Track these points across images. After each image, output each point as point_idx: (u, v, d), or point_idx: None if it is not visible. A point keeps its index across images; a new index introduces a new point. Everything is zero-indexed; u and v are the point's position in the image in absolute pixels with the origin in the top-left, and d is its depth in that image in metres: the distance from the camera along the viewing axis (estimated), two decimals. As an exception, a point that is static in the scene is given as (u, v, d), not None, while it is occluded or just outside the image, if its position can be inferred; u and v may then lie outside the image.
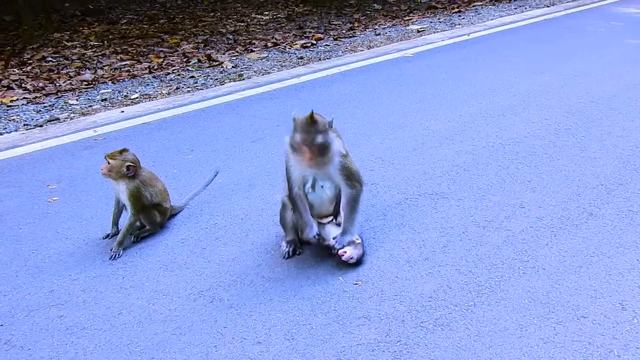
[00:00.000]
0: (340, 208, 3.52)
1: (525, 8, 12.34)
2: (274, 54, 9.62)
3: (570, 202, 4.00)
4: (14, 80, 8.55)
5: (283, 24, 12.33)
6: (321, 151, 3.28)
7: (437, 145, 5.10)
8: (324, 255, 3.55)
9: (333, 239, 3.45)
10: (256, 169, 4.90)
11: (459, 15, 12.02)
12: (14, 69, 9.15)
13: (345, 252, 3.36)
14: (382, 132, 5.49)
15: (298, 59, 9.18)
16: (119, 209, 4.03)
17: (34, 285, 3.46)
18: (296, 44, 10.17)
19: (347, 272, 3.39)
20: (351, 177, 3.46)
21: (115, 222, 4.01)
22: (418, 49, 8.87)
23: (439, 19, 11.71)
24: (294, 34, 11.13)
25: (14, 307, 3.24)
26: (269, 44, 10.29)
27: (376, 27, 11.35)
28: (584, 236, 3.58)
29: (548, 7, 12.36)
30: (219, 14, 13.62)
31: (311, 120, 3.23)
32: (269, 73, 8.33)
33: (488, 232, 3.70)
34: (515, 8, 12.39)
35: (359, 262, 3.42)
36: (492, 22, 10.86)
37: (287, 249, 3.56)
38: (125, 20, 13.17)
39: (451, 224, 3.82)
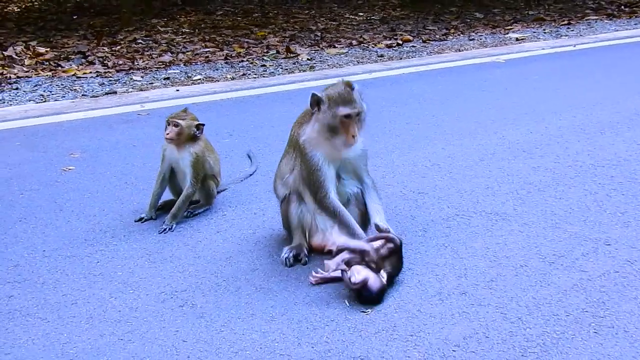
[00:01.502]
0: (367, 199, 2.90)
1: (648, 25, 10.86)
2: (355, 51, 9.00)
3: (677, 246, 2.99)
4: (99, 57, 8.56)
5: (375, 26, 11.70)
6: (362, 125, 2.74)
7: (511, 158, 4.20)
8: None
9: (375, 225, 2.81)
10: (291, 161, 4.25)
11: (568, 27, 10.78)
12: (104, 47, 9.22)
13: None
14: (446, 137, 4.67)
15: (378, 56, 8.50)
16: (163, 189, 3.46)
17: (2, 257, 3.02)
18: (381, 44, 9.50)
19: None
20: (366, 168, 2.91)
21: (154, 205, 3.43)
22: (512, 56, 7.88)
23: (544, 30, 10.55)
24: (383, 36, 10.46)
25: (-33, 278, 2.81)
26: (354, 42, 9.70)
27: (472, 34, 10.40)
28: (690, 294, 2.59)
29: (676, 25, 10.79)
30: (313, 12, 13.27)
31: (351, 87, 2.70)
32: (342, 67, 7.71)
33: (555, 269, 2.80)
34: (636, 24, 10.93)
35: (373, 300, 2.59)
36: (604, 35, 9.58)
37: (288, 255, 2.87)
38: (221, 12, 13.19)
39: (507, 253, 2.96)
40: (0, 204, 3.63)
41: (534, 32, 10.22)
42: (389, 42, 9.68)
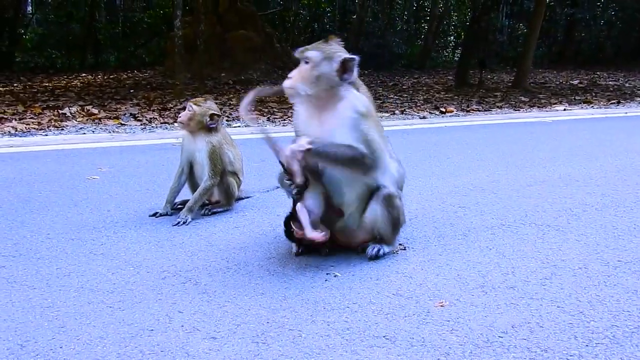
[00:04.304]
0: None
1: None
2: (396, 116, 8.95)
3: None
4: (147, 118, 8.80)
5: (419, 104, 11.74)
6: (312, 74, 2.35)
7: (563, 185, 3.83)
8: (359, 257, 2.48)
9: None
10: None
11: (617, 106, 10.49)
12: (155, 112, 9.52)
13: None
14: (490, 167, 4.35)
15: (420, 118, 8.40)
16: (181, 183, 3.28)
17: (4, 237, 2.81)
18: (424, 112, 9.44)
19: (384, 281, 2.28)
20: (368, 145, 2.38)
21: (171, 200, 3.23)
22: (559, 118, 7.61)
23: (592, 107, 10.28)
24: (428, 111, 10.46)
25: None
26: (397, 112, 9.68)
27: (517, 111, 10.25)
28: None
29: None
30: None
31: (325, 40, 2.43)
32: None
33: (622, 273, 2.38)
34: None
35: None
36: (659, 107, 9.23)
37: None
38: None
39: (562, 257, 2.56)
40: (16, 199, 3.48)
41: (582, 108, 9.97)
42: (431, 111, 9.61)
